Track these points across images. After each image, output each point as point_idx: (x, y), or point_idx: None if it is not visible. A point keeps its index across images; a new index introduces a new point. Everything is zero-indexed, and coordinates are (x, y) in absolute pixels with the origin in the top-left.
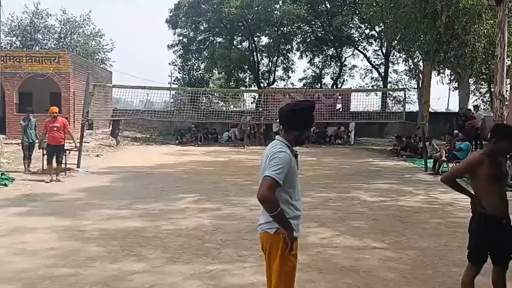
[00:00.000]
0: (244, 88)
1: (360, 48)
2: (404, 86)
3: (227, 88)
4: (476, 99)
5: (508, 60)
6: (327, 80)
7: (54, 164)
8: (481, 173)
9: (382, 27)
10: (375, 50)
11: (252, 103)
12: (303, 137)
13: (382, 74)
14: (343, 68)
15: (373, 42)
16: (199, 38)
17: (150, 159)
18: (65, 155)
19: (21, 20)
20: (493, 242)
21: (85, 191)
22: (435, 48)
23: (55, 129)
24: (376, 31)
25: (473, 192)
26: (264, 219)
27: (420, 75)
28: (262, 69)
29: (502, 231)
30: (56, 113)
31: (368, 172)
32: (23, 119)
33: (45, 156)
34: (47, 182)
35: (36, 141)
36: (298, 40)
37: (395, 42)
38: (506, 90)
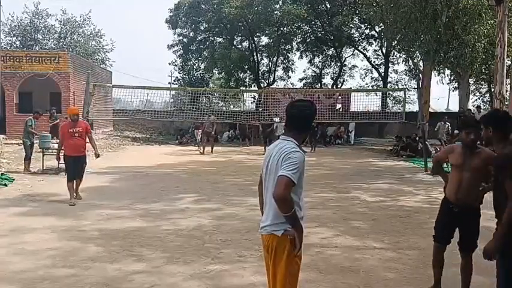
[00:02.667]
0: (244, 88)
1: (360, 48)
2: (404, 86)
3: (227, 88)
4: (476, 99)
5: (508, 60)
6: (327, 80)
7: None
8: (450, 160)
9: (382, 27)
10: (375, 50)
11: (252, 103)
12: (306, 137)
13: (382, 74)
14: (343, 68)
15: (373, 42)
16: (199, 38)
17: (150, 159)
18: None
19: (21, 20)
20: (446, 224)
21: (85, 191)
22: (435, 48)
23: (76, 135)
24: (376, 31)
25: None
26: (269, 221)
27: (420, 75)
28: (262, 69)
29: (453, 216)
30: (77, 115)
31: (368, 172)
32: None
33: (46, 159)
34: (72, 205)
35: (36, 142)
36: (298, 40)
37: (395, 42)
38: (506, 90)
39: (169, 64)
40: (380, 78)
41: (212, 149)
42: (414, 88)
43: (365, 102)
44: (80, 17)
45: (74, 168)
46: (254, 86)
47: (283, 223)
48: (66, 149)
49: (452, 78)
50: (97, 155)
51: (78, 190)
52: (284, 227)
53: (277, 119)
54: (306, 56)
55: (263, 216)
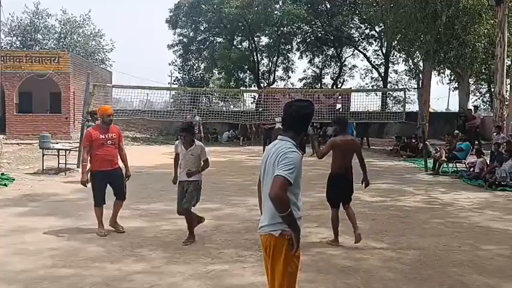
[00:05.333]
0: (244, 88)
1: (360, 48)
2: (404, 86)
3: (227, 88)
4: (476, 99)
5: (508, 60)
6: (327, 80)
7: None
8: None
9: (382, 27)
10: (375, 50)
11: (252, 103)
12: (303, 137)
13: (382, 74)
14: (343, 68)
15: (373, 42)
16: (199, 38)
17: (150, 159)
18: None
19: (21, 20)
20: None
21: (85, 191)
22: (435, 48)
23: (109, 142)
24: (376, 31)
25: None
26: (267, 221)
27: (420, 75)
28: (262, 69)
29: (342, 183)
30: (111, 116)
31: (368, 172)
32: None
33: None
34: (102, 235)
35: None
36: (298, 40)
37: (395, 42)
38: (506, 90)
39: (169, 64)
40: (380, 78)
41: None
42: (414, 88)
43: (365, 102)
44: (80, 17)
45: (105, 187)
46: (254, 86)
47: (281, 223)
48: (95, 161)
49: (452, 78)
50: (128, 176)
51: (117, 218)
52: (281, 227)
53: (278, 119)
54: (306, 56)
55: (261, 216)
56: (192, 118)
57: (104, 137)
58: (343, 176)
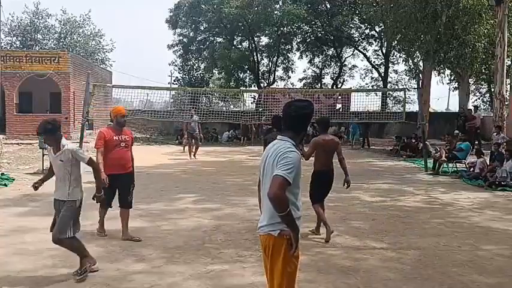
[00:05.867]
0: (244, 88)
1: (360, 48)
2: (404, 86)
3: (227, 88)
4: (476, 99)
5: (508, 60)
6: (327, 80)
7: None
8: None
9: (382, 27)
10: (375, 50)
11: (252, 103)
12: (303, 137)
13: (382, 74)
14: (343, 68)
15: (373, 42)
16: (199, 38)
17: (150, 159)
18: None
19: (21, 20)
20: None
21: (85, 191)
22: (435, 48)
23: (123, 145)
24: (376, 31)
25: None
26: (266, 221)
27: (420, 75)
28: (262, 69)
29: (325, 180)
30: (125, 116)
31: (368, 172)
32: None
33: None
34: (103, 235)
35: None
36: (298, 40)
37: (395, 42)
38: (506, 90)
39: (169, 64)
40: (380, 78)
41: (195, 152)
42: (414, 88)
43: (365, 102)
44: (80, 17)
45: (115, 191)
46: (254, 86)
47: (280, 223)
48: (107, 164)
49: (452, 78)
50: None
51: (128, 227)
52: (280, 227)
53: None
54: (306, 56)
55: (261, 216)
56: (189, 118)
57: (117, 138)
58: (326, 173)
